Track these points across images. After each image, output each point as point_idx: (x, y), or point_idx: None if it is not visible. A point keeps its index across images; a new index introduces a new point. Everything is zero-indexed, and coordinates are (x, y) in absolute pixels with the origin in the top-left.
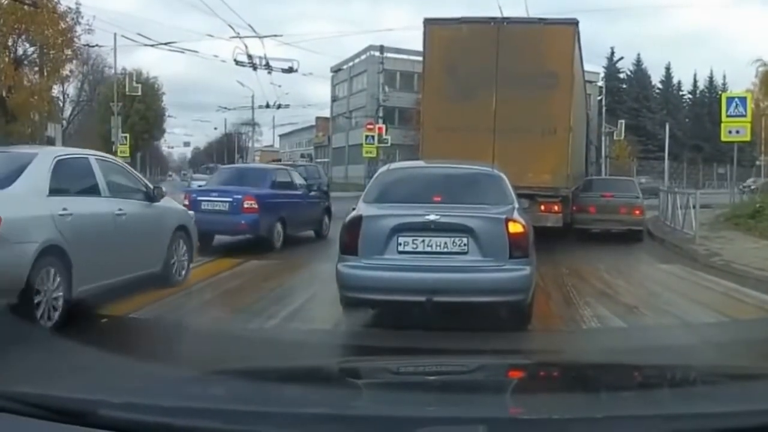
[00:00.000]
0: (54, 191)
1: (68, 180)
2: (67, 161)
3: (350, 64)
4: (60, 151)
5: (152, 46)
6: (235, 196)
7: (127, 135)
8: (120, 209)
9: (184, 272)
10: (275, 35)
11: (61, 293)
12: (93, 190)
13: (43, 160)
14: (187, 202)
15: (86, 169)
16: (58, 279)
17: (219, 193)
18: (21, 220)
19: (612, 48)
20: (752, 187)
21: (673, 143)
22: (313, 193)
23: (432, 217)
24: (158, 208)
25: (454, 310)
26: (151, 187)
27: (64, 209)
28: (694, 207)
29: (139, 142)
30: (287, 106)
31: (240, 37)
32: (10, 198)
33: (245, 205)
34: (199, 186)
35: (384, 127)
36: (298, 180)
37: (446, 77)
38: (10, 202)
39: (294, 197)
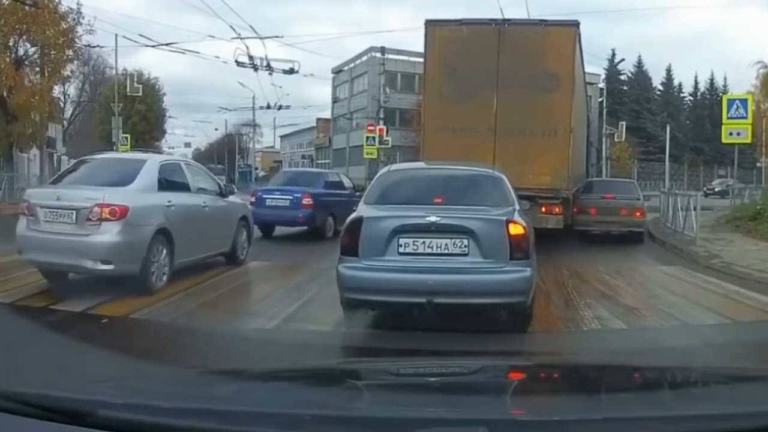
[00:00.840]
0: (161, 188)
1: (169, 179)
2: (167, 165)
3: (351, 65)
4: (162, 157)
5: (153, 46)
6: (295, 195)
7: (128, 135)
8: (204, 202)
9: (245, 252)
10: (276, 36)
11: (167, 264)
12: (185, 188)
13: (151, 164)
14: (253, 199)
15: (179, 171)
16: (165, 253)
17: (281, 192)
18: (142, 208)
19: (613, 50)
20: (716, 189)
21: (674, 145)
22: (358, 194)
23: (433, 218)
24: (228, 202)
25: (455, 312)
26: (223, 186)
27: (169, 201)
28: (694, 209)
29: (140, 143)
30: (288, 107)
31: (241, 38)
32: (133, 193)
33: (303, 202)
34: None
35: (385, 128)
36: (347, 182)
37: (447, 78)
38: (133, 196)
39: (342, 196)
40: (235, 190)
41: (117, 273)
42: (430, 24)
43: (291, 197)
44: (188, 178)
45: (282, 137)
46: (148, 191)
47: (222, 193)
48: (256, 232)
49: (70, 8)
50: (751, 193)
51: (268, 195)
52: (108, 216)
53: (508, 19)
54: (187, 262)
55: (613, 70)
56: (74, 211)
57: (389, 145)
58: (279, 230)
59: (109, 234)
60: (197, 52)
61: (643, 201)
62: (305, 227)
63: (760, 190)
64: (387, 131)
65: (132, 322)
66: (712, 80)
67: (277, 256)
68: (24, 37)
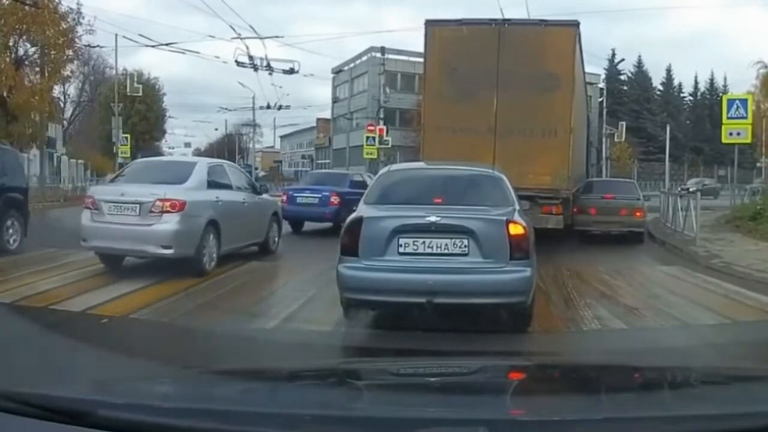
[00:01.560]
0: (209, 186)
1: (215, 179)
2: (213, 167)
3: (351, 65)
4: (209, 160)
5: (153, 46)
6: (324, 193)
7: (128, 135)
8: (243, 199)
9: (276, 244)
10: (276, 36)
11: (215, 250)
12: (228, 186)
13: (201, 166)
14: (284, 197)
15: (223, 172)
16: (214, 241)
17: (311, 191)
18: (196, 202)
19: (613, 50)
20: (691, 190)
21: (674, 145)
22: None
23: (433, 218)
24: (262, 199)
25: (455, 312)
26: (258, 185)
27: (217, 197)
28: (694, 209)
29: (140, 143)
30: (288, 107)
31: (241, 38)
32: (188, 189)
33: (331, 200)
34: None
35: (385, 128)
36: (370, 182)
37: (447, 78)
38: (188, 192)
39: None
40: (269, 189)
41: (175, 256)
42: (430, 24)
43: (320, 196)
44: (230, 178)
45: (282, 137)
46: (200, 189)
47: (257, 191)
48: (287, 227)
49: (70, 8)
50: (732, 193)
51: (298, 194)
52: (168, 209)
53: (508, 19)
54: (230, 249)
55: (613, 70)
56: (138, 205)
57: (389, 145)
58: (307, 225)
59: (169, 223)
60: (197, 52)
61: (643, 201)
62: (331, 223)
63: (747, 190)
64: (387, 131)
65: (132, 322)
66: (712, 80)
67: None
68: (24, 37)
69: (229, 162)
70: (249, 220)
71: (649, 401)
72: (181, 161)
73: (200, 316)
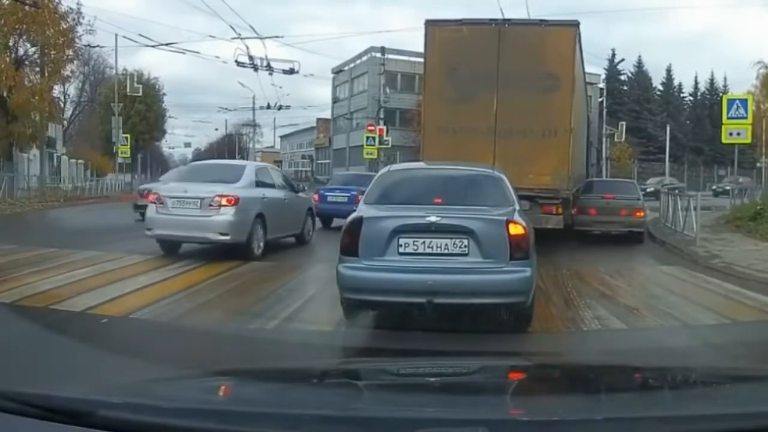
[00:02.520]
0: (257, 185)
1: (261, 179)
2: (260, 169)
3: (351, 65)
4: (256, 163)
5: (153, 46)
6: (351, 192)
7: (128, 135)
8: (284, 196)
9: (310, 236)
10: (276, 36)
11: (262, 238)
12: (272, 185)
13: (250, 168)
14: (316, 196)
15: (267, 173)
16: (261, 231)
17: (340, 190)
18: (247, 198)
19: (613, 50)
20: (648, 190)
21: (674, 145)
22: None
23: (433, 218)
24: (299, 196)
25: (455, 312)
26: (295, 184)
27: (263, 194)
28: (695, 209)
29: (140, 143)
30: (288, 107)
31: (241, 38)
32: (240, 188)
33: (357, 198)
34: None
35: (385, 128)
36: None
37: (447, 78)
38: (241, 190)
39: None
40: (305, 189)
41: (231, 242)
42: (430, 24)
43: (348, 194)
44: (273, 178)
45: (282, 137)
46: (249, 187)
47: (295, 190)
48: (318, 223)
49: (70, 8)
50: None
51: (329, 193)
52: (225, 203)
53: (508, 19)
54: (273, 237)
55: (613, 70)
56: (199, 200)
57: (389, 145)
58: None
59: (226, 215)
60: (197, 52)
61: (643, 201)
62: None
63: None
64: (387, 131)
65: (132, 322)
66: (712, 80)
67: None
68: (24, 37)
69: (272, 165)
70: (288, 214)
71: (649, 401)
72: (233, 164)
73: (200, 316)
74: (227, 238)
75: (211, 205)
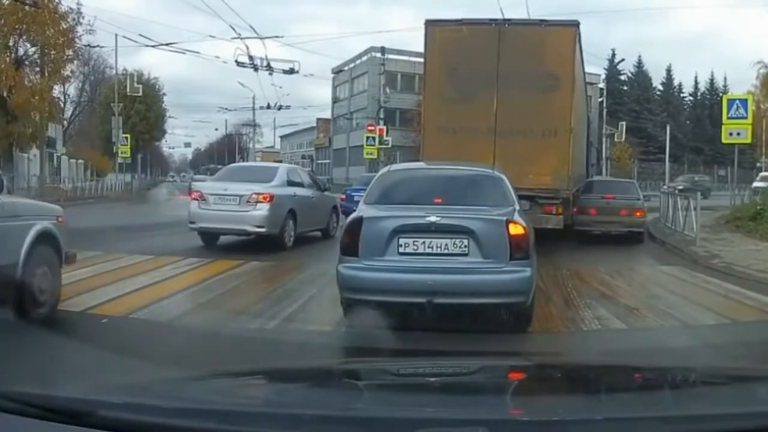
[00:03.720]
0: (288, 184)
1: (292, 179)
2: (291, 170)
3: (351, 65)
4: (288, 165)
5: (153, 46)
6: None
7: (128, 135)
8: (312, 194)
9: (334, 230)
10: (276, 36)
11: (293, 231)
12: (301, 184)
13: (282, 169)
14: (343, 196)
15: (298, 174)
16: (292, 224)
17: (364, 190)
18: (280, 196)
19: (613, 50)
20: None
21: (674, 145)
22: None
23: (433, 218)
24: (325, 195)
25: (455, 312)
26: (322, 184)
27: (294, 193)
28: (695, 209)
29: (140, 143)
30: (288, 107)
31: (241, 38)
32: (274, 186)
33: None
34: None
35: (385, 128)
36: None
37: (447, 78)
38: (275, 188)
39: None
40: (330, 187)
41: (266, 233)
42: (430, 24)
43: None
44: (302, 179)
45: (282, 137)
46: (282, 186)
47: (322, 189)
48: (344, 219)
49: (70, 8)
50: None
51: (355, 192)
52: (261, 200)
53: (508, 19)
54: (302, 231)
55: (613, 70)
56: (238, 197)
57: (389, 145)
58: None
59: (262, 210)
60: (197, 52)
61: (643, 201)
62: None
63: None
64: (387, 131)
65: (132, 322)
66: (712, 80)
67: None
68: (24, 37)
69: (301, 167)
70: (316, 211)
71: (649, 401)
72: (267, 166)
73: (200, 316)
74: (263, 230)
75: (248, 202)
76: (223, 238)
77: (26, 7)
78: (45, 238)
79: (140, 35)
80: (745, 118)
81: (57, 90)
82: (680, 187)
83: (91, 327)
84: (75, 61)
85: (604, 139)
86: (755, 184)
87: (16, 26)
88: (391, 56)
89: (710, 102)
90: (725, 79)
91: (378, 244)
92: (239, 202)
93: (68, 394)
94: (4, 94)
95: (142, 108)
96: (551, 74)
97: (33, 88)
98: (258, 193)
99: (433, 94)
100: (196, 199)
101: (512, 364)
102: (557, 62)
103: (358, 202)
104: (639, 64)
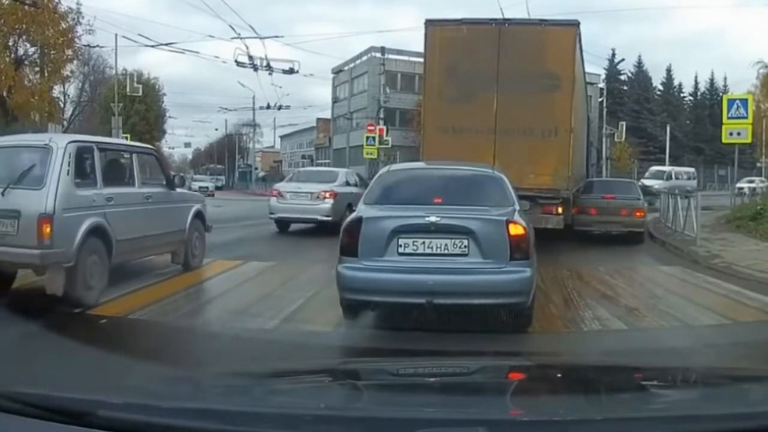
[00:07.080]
0: (347, 184)
1: (348, 180)
2: (348, 173)
3: (351, 65)
4: (345, 170)
5: (153, 46)
6: None
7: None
8: (358, 191)
9: None
10: (276, 36)
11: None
12: (355, 184)
13: (342, 172)
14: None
15: (353, 176)
16: (349, 214)
17: None
18: (341, 193)
19: (613, 50)
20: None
21: (674, 145)
22: None
23: (432, 218)
24: (354, 189)
25: (455, 312)
26: (355, 182)
27: (351, 191)
28: (695, 209)
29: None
30: (288, 107)
31: (241, 38)
32: (337, 185)
33: None
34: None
35: (385, 128)
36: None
37: (447, 78)
38: (338, 187)
39: None
40: (359, 183)
41: (331, 221)
42: (430, 24)
43: None
44: (356, 180)
45: (282, 137)
46: (342, 186)
47: (357, 185)
48: None
49: (70, 8)
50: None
51: None
52: (327, 196)
53: (509, 19)
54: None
55: (613, 70)
56: (310, 194)
57: (389, 145)
58: None
59: (328, 204)
60: (197, 52)
61: (643, 201)
62: None
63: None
64: (387, 131)
65: (132, 322)
66: (712, 80)
67: None
68: (24, 37)
69: (353, 171)
70: (342, 204)
71: (648, 401)
72: (331, 170)
73: (200, 316)
74: (329, 218)
75: (318, 197)
76: (225, 239)
77: (26, 7)
78: (198, 215)
79: (140, 35)
80: (746, 118)
81: (57, 90)
82: (656, 187)
83: (91, 327)
84: (75, 61)
85: (604, 139)
86: (738, 184)
87: (16, 26)
88: (391, 56)
89: (710, 102)
90: (725, 79)
91: (377, 244)
92: (310, 197)
93: (68, 394)
94: (4, 94)
95: (142, 108)
96: (551, 74)
97: (33, 88)
98: (326, 191)
99: (433, 93)
100: (275, 196)
101: (512, 364)
102: (557, 62)
103: None
104: (639, 64)
